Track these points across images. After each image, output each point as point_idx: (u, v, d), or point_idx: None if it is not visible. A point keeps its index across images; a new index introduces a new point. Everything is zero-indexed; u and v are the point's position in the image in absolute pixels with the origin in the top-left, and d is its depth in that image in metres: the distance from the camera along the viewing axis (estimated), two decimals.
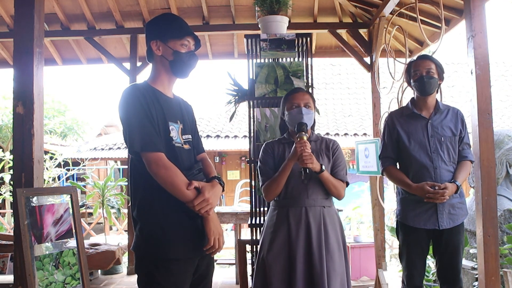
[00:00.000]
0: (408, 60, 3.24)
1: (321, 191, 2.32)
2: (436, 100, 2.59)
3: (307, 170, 2.19)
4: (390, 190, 6.89)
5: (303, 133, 2.23)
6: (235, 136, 11.59)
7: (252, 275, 3.25)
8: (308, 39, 3.33)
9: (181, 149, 1.80)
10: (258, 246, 2.44)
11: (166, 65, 1.83)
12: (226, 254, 6.44)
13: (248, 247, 3.70)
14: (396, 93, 4.00)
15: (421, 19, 4.37)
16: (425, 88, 2.52)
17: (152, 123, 1.71)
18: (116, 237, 6.54)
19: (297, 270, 2.19)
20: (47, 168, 7.94)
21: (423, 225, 2.48)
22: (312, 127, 2.45)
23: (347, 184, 2.37)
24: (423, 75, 2.52)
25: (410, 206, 2.54)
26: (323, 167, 2.24)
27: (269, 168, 2.36)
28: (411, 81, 2.60)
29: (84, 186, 7.52)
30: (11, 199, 7.70)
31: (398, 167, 2.66)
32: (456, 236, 2.48)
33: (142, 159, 1.70)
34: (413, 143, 2.54)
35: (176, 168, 1.70)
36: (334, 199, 2.40)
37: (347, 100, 13.08)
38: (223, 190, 1.86)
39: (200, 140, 2.02)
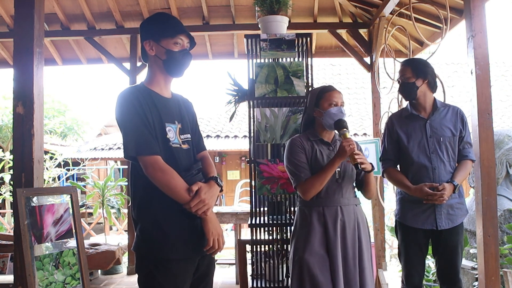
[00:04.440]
0: None
1: (352, 190, 2.35)
2: (434, 99, 2.59)
3: (358, 166, 2.14)
4: (390, 190, 6.89)
5: (345, 129, 2.23)
6: (235, 136, 11.59)
7: (252, 275, 3.25)
8: (308, 39, 3.33)
9: (179, 149, 1.79)
10: (290, 247, 2.36)
11: (160, 64, 1.82)
12: (226, 254, 6.44)
13: (248, 247, 3.70)
14: (396, 93, 4.00)
15: (421, 19, 4.38)
16: (403, 95, 2.62)
17: (147, 126, 1.70)
18: (116, 237, 6.54)
19: (337, 269, 2.20)
20: (47, 168, 7.94)
21: (421, 225, 2.48)
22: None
23: None
24: (400, 82, 2.59)
25: (408, 206, 2.54)
26: (374, 166, 2.24)
27: (305, 164, 2.28)
28: None
29: (84, 186, 7.52)
30: (11, 199, 7.70)
31: (398, 168, 2.65)
32: (455, 236, 2.47)
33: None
34: (412, 143, 2.54)
35: (172, 171, 1.69)
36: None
37: (347, 100, 13.06)
38: (221, 190, 1.85)
39: (201, 138, 2.00)
